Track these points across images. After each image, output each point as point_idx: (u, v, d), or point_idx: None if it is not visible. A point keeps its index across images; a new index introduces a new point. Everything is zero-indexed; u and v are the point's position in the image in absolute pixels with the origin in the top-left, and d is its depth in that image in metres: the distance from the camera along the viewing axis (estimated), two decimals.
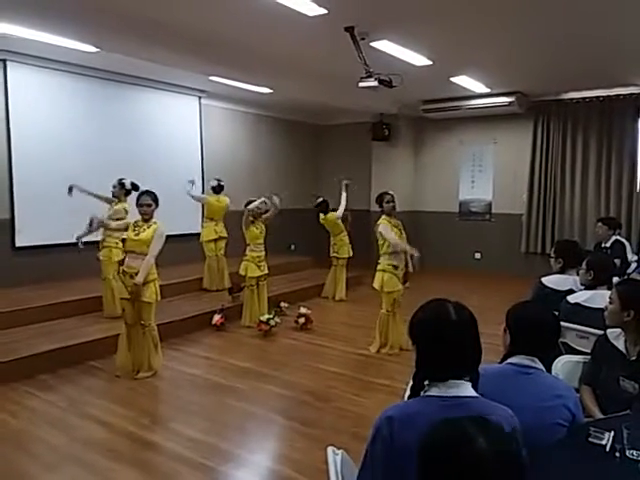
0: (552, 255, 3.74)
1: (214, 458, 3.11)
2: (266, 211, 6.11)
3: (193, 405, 3.95)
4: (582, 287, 3.28)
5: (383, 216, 5.12)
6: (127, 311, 4.41)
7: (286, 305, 6.40)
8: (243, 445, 3.33)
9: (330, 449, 1.63)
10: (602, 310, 2.54)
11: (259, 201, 6.00)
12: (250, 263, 5.95)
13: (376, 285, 5.10)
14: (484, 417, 1.14)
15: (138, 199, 4.43)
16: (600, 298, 2.96)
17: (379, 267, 5.10)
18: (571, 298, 3.11)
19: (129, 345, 4.43)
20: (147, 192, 4.46)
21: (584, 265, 3.25)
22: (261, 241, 6.05)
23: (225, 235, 7.13)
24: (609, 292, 3.01)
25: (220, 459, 3.11)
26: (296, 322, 5.89)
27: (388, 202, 5.14)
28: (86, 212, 6.48)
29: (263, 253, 6.08)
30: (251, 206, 5.92)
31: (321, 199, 7.55)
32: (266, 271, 6.09)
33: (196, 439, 3.34)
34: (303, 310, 5.95)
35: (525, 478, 1.08)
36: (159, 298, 4.44)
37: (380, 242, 5.10)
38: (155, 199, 4.44)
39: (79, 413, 3.71)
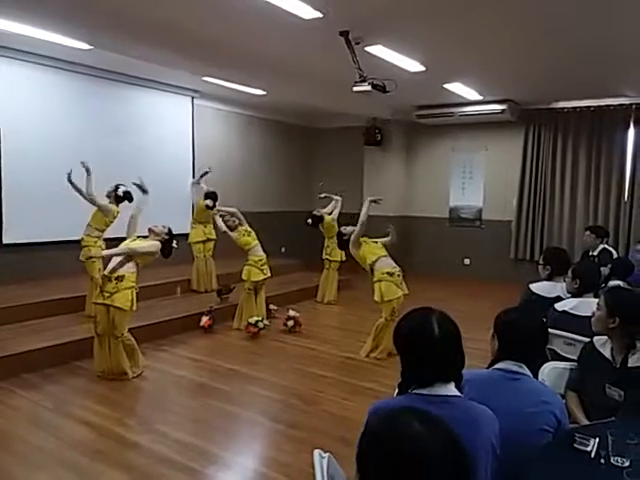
0: (540, 262, 3.76)
1: (200, 460, 3.09)
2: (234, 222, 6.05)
3: (179, 407, 3.92)
4: (569, 295, 3.30)
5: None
6: (99, 318, 4.28)
7: (275, 308, 6.38)
8: (229, 447, 3.31)
9: (317, 452, 1.62)
10: (589, 318, 2.56)
11: (219, 220, 5.99)
12: (252, 267, 5.87)
13: (377, 297, 5.02)
14: (425, 410, 1.11)
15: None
16: (586, 306, 2.98)
17: (374, 279, 5.05)
18: (558, 306, 3.13)
19: (102, 352, 4.34)
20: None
21: (570, 273, 3.27)
22: (256, 242, 6.00)
23: (213, 237, 7.10)
24: (595, 300, 3.05)
25: (206, 461, 3.09)
26: (285, 325, 5.87)
27: (345, 227, 5.52)
28: (75, 210, 6.48)
29: (264, 255, 6.01)
30: (221, 225, 5.93)
31: (312, 218, 7.36)
32: (268, 274, 6.01)
33: (182, 441, 3.32)
34: (292, 313, 5.93)
35: (469, 471, 1.04)
36: (134, 308, 4.33)
37: (361, 256, 5.09)
38: (169, 232, 4.60)
39: (64, 413, 3.67)
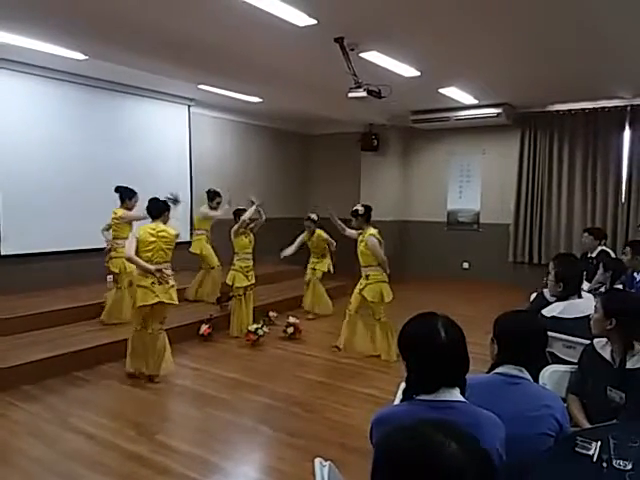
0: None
1: (200, 470, 3.07)
2: (254, 220, 6.08)
3: (179, 416, 3.90)
4: (554, 298, 3.26)
5: (372, 229, 5.18)
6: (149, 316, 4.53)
7: (275, 315, 6.36)
8: (230, 456, 3.29)
9: (317, 460, 1.61)
10: (579, 319, 2.55)
11: (252, 210, 5.94)
12: (238, 273, 5.91)
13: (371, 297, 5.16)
14: (448, 421, 1.04)
15: None
16: (574, 308, 2.98)
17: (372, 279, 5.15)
18: (546, 312, 3.07)
19: (143, 349, 4.52)
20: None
21: (553, 277, 3.20)
22: (249, 250, 6.02)
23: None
24: (581, 301, 3.06)
25: (206, 471, 3.07)
26: (284, 332, 5.86)
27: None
28: (73, 221, 6.48)
29: (251, 263, 6.04)
30: (245, 216, 5.86)
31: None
32: (253, 281, 6.05)
33: (182, 451, 3.30)
34: (292, 320, 5.92)
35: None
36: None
37: (367, 253, 5.12)
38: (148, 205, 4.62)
39: (63, 425, 3.65)
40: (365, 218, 5.21)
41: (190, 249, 6.83)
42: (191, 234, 7.30)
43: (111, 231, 5.68)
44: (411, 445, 0.95)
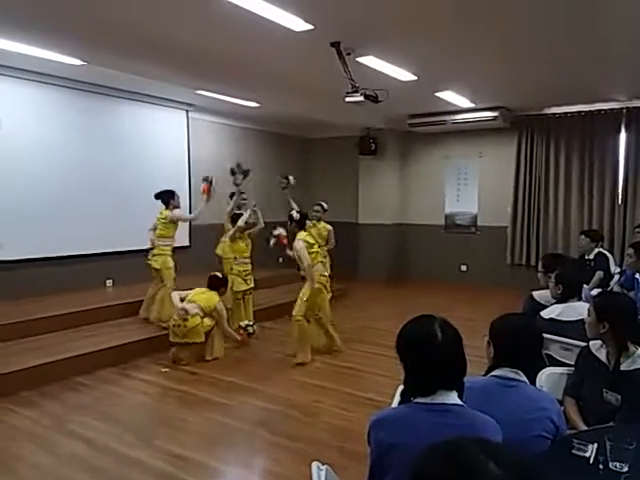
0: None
1: (199, 474, 3.07)
2: (253, 224, 6.12)
3: (178, 421, 3.90)
4: (553, 300, 3.29)
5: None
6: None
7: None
8: (229, 461, 3.30)
9: (315, 464, 1.62)
10: (577, 322, 2.56)
11: (247, 214, 5.98)
12: (236, 277, 5.92)
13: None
14: (486, 439, 1.01)
15: None
16: (572, 310, 3.01)
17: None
18: (545, 314, 3.11)
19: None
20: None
21: (553, 279, 3.24)
22: (247, 254, 6.04)
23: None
24: (579, 303, 3.08)
25: (206, 475, 3.08)
26: (267, 242, 5.90)
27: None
28: (70, 227, 6.44)
29: (250, 267, 6.07)
30: (241, 222, 5.91)
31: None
32: (252, 285, 6.07)
33: (181, 455, 3.30)
34: (276, 231, 5.83)
35: None
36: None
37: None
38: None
39: (62, 430, 3.65)
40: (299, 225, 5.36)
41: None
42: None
43: (157, 231, 5.86)
44: (450, 464, 0.90)
